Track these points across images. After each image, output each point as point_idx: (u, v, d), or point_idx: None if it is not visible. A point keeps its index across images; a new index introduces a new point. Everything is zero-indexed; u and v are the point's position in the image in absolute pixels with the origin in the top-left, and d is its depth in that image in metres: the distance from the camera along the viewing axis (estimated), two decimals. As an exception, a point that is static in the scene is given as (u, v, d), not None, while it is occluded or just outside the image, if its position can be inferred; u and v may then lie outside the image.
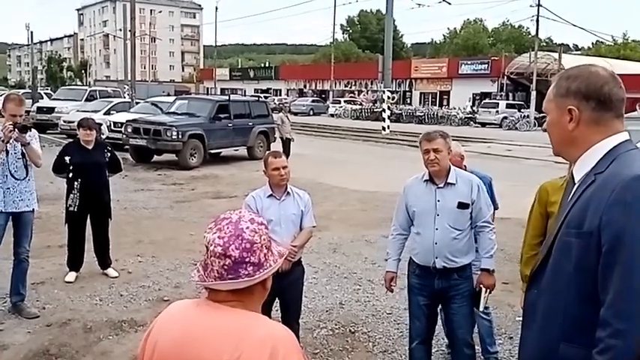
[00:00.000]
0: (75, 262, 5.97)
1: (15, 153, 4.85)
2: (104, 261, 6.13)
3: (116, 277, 6.02)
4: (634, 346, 1.46)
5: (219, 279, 1.45)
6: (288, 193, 3.92)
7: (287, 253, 3.53)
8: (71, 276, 5.91)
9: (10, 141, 4.76)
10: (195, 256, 6.87)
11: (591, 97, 1.67)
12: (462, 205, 3.49)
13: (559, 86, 1.72)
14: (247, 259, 1.44)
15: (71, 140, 6.58)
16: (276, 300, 3.92)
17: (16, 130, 4.70)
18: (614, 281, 1.50)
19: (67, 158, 5.82)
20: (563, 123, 1.71)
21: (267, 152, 4.15)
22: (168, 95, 29.85)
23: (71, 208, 5.86)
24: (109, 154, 6.04)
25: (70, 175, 5.82)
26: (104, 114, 19.34)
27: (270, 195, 3.88)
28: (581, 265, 1.60)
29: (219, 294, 1.48)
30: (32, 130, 5.00)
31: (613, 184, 1.56)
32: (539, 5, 34.91)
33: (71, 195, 5.84)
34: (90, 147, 5.86)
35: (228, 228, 1.46)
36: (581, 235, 1.60)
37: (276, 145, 16.16)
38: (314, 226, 4.11)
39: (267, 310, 3.71)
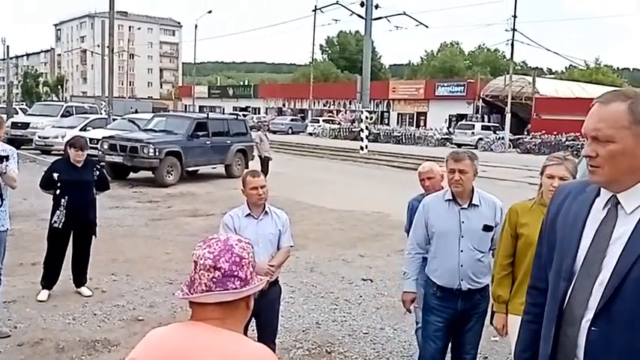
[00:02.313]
0: (49, 280, 5.87)
1: None
2: (80, 279, 6.04)
3: (90, 296, 5.93)
4: None
5: (206, 291, 1.48)
6: (266, 212, 3.93)
7: (265, 276, 3.56)
8: (44, 294, 5.80)
9: None
10: (171, 275, 6.81)
11: None
12: (487, 228, 3.49)
13: (638, 112, 1.59)
14: (236, 273, 1.49)
15: (60, 157, 6.52)
16: (252, 320, 3.91)
17: None
18: None
19: (55, 175, 5.76)
20: (639, 152, 1.60)
21: (246, 171, 4.16)
22: (136, 112, 29.61)
23: (56, 225, 5.79)
24: (97, 173, 6.01)
25: (58, 191, 5.76)
26: (80, 130, 19.12)
27: (248, 214, 3.89)
28: None
29: (204, 310, 1.51)
30: (11, 149, 4.90)
31: None
32: (514, 30, 35.70)
33: (57, 212, 5.77)
34: (79, 165, 5.83)
35: (217, 244, 1.52)
36: None
37: (255, 164, 16.16)
38: (292, 246, 4.12)
39: (243, 330, 3.70)
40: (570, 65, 73.43)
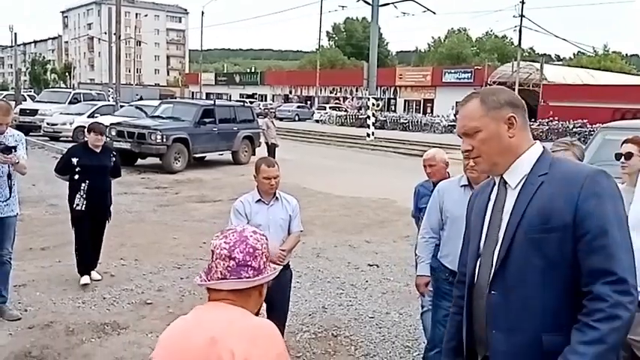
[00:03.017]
0: (87, 264, 5.90)
1: (0, 176, 4.76)
2: (92, 263, 6.10)
3: (99, 280, 5.99)
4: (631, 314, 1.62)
5: (221, 279, 1.59)
6: (276, 198, 3.96)
7: (278, 262, 3.62)
8: (85, 279, 5.84)
9: None
10: (179, 260, 6.87)
11: (519, 106, 1.86)
12: None
13: (488, 102, 1.85)
14: (249, 263, 1.60)
15: (75, 143, 6.54)
16: (263, 303, 3.95)
17: (0, 153, 4.58)
18: (603, 262, 1.64)
19: (74, 160, 5.79)
20: (502, 133, 1.83)
21: (261, 158, 4.13)
22: (141, 99, 29.52)
23: (78, 207, 5.81)
24: (114, 159, 6.06)
25: (77, 176, 5.79)
26: (88, 117, 19.22)
27: (259, 200, 3.92)
28: (556, 257, 1.70)
29: (218, 295, 1.62)
30: (19, 134, 4.92)
31: (577, 181, 1.71)
32: (522, 16, 35.42)
33: (78, 195, 5.80)
34: (98, 150, 5.87)
35: (233, 235, 1.62)
36: (553, 230, 1.70)
37: (261, 151, 16.21)
38: (301, 231, 4.15)
39: (255, 314, 3.75)
40: (579, 52, 72.97)
